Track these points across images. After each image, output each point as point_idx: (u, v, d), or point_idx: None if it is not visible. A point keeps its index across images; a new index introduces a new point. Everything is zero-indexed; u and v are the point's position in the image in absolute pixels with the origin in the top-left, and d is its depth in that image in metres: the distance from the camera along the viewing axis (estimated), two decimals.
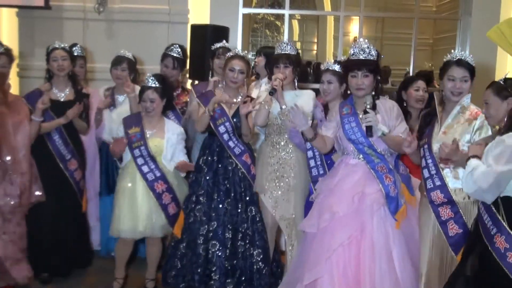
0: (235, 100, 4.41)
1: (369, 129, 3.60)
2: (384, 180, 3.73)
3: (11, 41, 6.35)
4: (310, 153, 4.31)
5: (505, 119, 3.10)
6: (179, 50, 5.00)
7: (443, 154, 3.29)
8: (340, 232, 3.69)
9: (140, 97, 4.34)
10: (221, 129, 4.32)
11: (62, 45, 4.67)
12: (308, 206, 4.27)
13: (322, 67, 4.42)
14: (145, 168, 4.31)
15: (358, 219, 3.70)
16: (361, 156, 3.82)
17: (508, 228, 2.88)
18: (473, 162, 3.02)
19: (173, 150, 4.40)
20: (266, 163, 4.39)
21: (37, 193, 4.44)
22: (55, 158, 4.59)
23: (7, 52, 4.43)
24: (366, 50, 3.76)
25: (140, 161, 4.31)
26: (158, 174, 4.32)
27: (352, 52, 3.82)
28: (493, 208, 2.94)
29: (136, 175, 4.32)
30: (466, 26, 7.17)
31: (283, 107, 4.13)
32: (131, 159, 4.34)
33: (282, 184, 4.35)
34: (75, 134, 4.70)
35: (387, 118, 3.73)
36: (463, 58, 3.54)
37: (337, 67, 4.24)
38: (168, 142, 4.38)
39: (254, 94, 4.69)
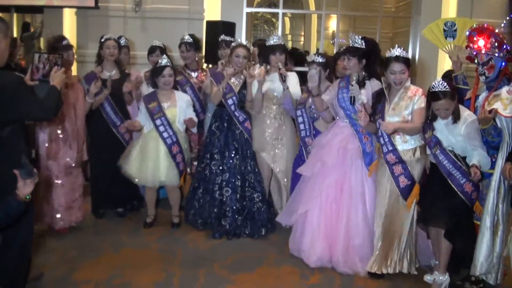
0: (240, 79, 4.43)
1: (352, 99, 3.69)
2: (362, 139, 3.83)
3: (71, 35, 6.40)
4: (300, 119, 4.40)
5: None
6: (189, 36, 4.97)
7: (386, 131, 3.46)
8: (329, 176, 3.84)
9: (159, 75, 4.33)
10: (230, 101, 4.38)
11: (113, 37, 4.68)
12: (297, 159, 4.41)
13: (308, 58, 4.36)
14: (165, 134, 4.34)
15: (341, 168, 3.83)
16: (347, 120, 3.90)
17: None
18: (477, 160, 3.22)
19: (184, 114, 4.42)
20: (263, 128, 4.45)
21: (85, 155, 4.54)
22: (108, 124, 4.62)
23: (71, 46, 4.41)
24: (353, 39, 3.84)
25: (161, 128, 4.33)
26: (174, 139, 4.35)
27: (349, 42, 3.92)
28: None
29: (159, 139, 4.35)
30: (417, 23, 7.15)
31: (286, 87, 4.24)
32: (153, 127, 4.36)
33: (278, 144, 4.46)
34: (122, 105, 4.70)
35: (373, 92, 3.76)
36: (399, 54, 3.49)
37: (320, 59, 4.21)
38: (180, 109, 4.39)
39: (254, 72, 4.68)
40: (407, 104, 3.51)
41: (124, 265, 3.79)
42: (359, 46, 3.78)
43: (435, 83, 3.27)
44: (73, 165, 4.29)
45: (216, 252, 4.09)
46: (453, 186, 3.30)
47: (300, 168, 4.11)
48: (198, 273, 3.70)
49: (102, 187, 4.69)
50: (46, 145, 4.20)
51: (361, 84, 3.72)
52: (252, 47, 4.57)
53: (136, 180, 4.45)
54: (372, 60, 3.85)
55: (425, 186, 3.56)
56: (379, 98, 3.67)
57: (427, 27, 4.15)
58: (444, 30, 4.10)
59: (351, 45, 3.83)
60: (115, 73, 4.66)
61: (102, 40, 4.62)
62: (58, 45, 4.26)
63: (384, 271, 3.62)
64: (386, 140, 3.58)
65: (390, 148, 3.56)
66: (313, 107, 4.30)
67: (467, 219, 3.42)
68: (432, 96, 3.27)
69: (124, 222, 4.73)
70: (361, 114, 3.56)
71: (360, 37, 3.85)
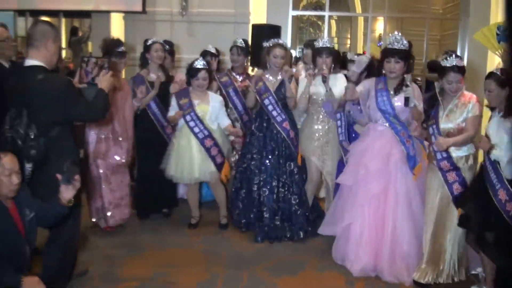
0: (278, 78, 4.48)
1: (407, 100, 3.61)
2: (405, 143, 3.75)
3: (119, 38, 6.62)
4: (339, 122, 4.35)
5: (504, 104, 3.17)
6: (242, 41, 5.05)
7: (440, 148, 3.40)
8: (373, 184, 3.77)
9: (194, 76, 4.41)
10: (266, 101, 4.43)
11: (159, 40, 4.79)
12: (340, 164, 4.38)
13: (349, 56, 4.41)
14: (196, 129, 4.40)
15: (385, 174, 3.75)
16: (387, 123, 3.82)
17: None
18: (497, 152, 3.12)
19: (216, 113, 4.48)
20: (311, 133, 4.47)
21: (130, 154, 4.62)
22: (154, 126, 4.74)
23: (126, 53, 4.52)
24: (400, 41, 3.72)
25: (192, 124, 4.40)
26: (206, 133, 4.40)
27: (388, 42, 3.81)
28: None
29: (190, 135, 4.42)
30: (465, 25, 7.03)
31: (328, 89, 4.27)
32: (184, 123, 4.44)
33: (326, 148, 4.46)
34: (167, 107, 4.73)
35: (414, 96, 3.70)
36: (457, 64, 3.41)
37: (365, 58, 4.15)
38: (212, 109, 4.46)
39: (302, 75, 4.73)
40: (462, 111, 3.45)
41: (168, 264, 3.88)
42: (404, 48, 3.73)
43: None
44: (123, 163, 4.42)
45: (259, 255, 4.13)
46: (491, 195, 3.17)
47: (340, 177, 4.03)
48: (241, 275, 3.75)
49: (149, 188, 4.81)
50: (95, 144, 4.35)
51: (402, 87, 3.70)
52: (304, 49, 4.61)
53: (175, 179, 4.54)
54: (411, 62, 3.83)
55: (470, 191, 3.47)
56: (432, 103, 3.61)
57: (479, 31, 4.10)
58: (497, 34, 4.03)
59: (396, 47, 3.73)
60: (160, 75, 4.77)
61: (149, 43, 4.73)
62: (113, 49, 4.38)
63: (431, 281, 3.56)
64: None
65: (445, 155, 3.49)
66: (351, 112, 4.25)
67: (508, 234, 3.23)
68: (486, 76, 3.28)
69: (167, 222, 4.86)
70: (414, 126, 3.57)
71: (404, 37, 3.78)
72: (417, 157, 3.75)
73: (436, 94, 3.58)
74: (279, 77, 4.47)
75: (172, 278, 3.68)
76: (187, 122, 4.42)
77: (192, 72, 4.44)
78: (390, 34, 3.92)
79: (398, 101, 3.74)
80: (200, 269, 3.83)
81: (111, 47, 4.40)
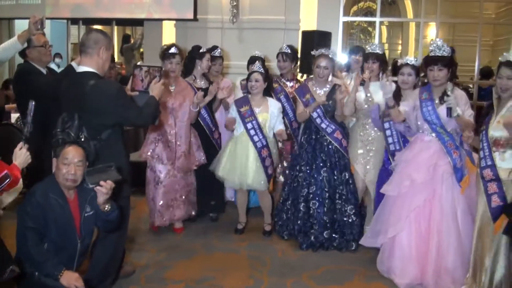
0: (324, 89, 4.45)
1: (450, 110, 3.51)
2: (452, 154, 3.65)
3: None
4: (388, 132, 4.20)
5: None
6: (287, 47, 5.06)
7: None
8: (418, 195, 3.69)
9: (248, 79, 4.50)
10: (314, 114, 4.39)
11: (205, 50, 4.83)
12: (381, 174, 4.27)
13: (400, 61, 4.28)
14: (256, 138, 4.43)
15: (431, 186, 3.66)
16: (434, 134, 3.74)
17: None
18: None
19: (275, 120, 4.49)
20: (357, 139, 4.42)
21: (202, 158, 4.71)
22: (204, 130, 4.81)
23: (180, 53, 4.59)
24: (441, 48, 3.64)
25: (252, 132, 4.43)
26: (264, 143, 4.44)
27: (430, 49, 3.73)
28: None
29: (249, 143, 4.45)
30: None
31: (368, 94, 4.23)
32: (243, 130, 4.47)
33: (369, 156, 4.39)
34: (212, 112, 4.89)
35: (458, 104, 3.61)
36: (509, 58, 3.29)
37: (414, 61, 4.14)
38: (271, 115, 4.48)
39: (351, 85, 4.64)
40: None
41: (214, 268, 3.93)
42: (447, 55, 3.64)
43: None
44: (176, 167, 4.50)
45: (304, 263, 4.11)
46: None
47: (384, 187, 3.93)
48: (286, 282, 3.75)
49: (196, 192, 4.86)
50: (150, 146, 4.51)
51: (447, 94, 3.59)
52: (357, 55, 4.61)
53: (227, 182, 4.60)
54: (454, 68, 3.71)
55: None
56: (488, 110, 3.49)
57: None
58: None
59: (439, 54, 3.65)
60: (204, 82, 4.85)
61: (201, 50, 4.77)
62: (165, 53, 4.52)
63: None
64: (487, 153, 3.36)
65: (489, 163, 3.34)
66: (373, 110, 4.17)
67: None
68: None
69: (214, 226, 4.91)
70: (466, 134, 3.50)
71: (446, 44, 3.69)
72: (464, 169, 3.65)
73: (493, 102, 3.44)
74: (326, 89, 4.45)
75: (218, 282, 3.72)
76: (247, 130, 4.46)
77: (247, 76, 4.54)
78: (431, 41, 3.83)
79: (444, 111, 3.63)
80: (245, 274, 3.86)
81: (165, 51, 4.52)
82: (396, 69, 4.45)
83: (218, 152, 4.84)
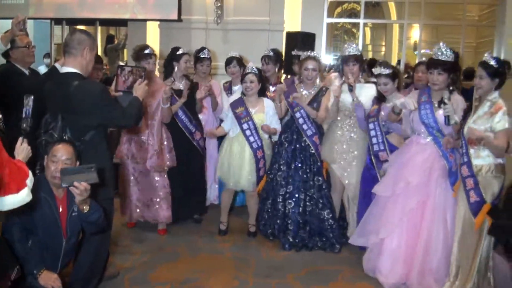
0: (311, 91, 4.47)
1: (447, 118, 3.52)
2: (448, 157, 3.67)
3: (155, 46, 6.60)
4: (373, 132, 4.19)
5: None
6: (270, 50, 5.11)
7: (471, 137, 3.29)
8: (412, 198, 3.70)
9: (242, 81, 4.51)
10: (297, 114, 4.43)
11: (187, 50, 4.83)
12: (364, 174, 4.29)
13: (375, 71, 4.19)
14: (251, 138, 4.44)
15: (425, 188, 3.69)
16: (430, 137, 3.74)
17: None
18: None
19: (270, 120, 4.49)
20: (336, 140, 4.42)
21: (169, 161, 4.63)
22: (184, 132, 4.77)
23: (154, 53, 4.61)
24: (444, 52, 3.64)
25: (248, 132, 4.44)
26: (260, 144, 4.45)
27: (433, 52, 3.74)
28: None
29: (245, 143, 4.46)
30: (501, 32, 6.87)
31: (354, 99, 4.23)
32: (239, 131, 4.48)
33: (349, 157, 4.40)
34: (194, 113, 4.86)
35: (456, 110, 3.61)
36: (485, 60, 3.36)
37: (386, 70, 4.09)
38: (267, 115, 4.49)
39: (335, 84, 4.66)
40: (487, 119, 3.33)
41: (199, 270, 3.92)
42: (449, 60, 3.63)
43: None
44: (150, 167, 4.48)
45: (289, 263, 4.12)
46: None
47: (376, 187, 3.94)
48: (271, 283, 3.75)
49: (178, 193, 4.83)
50: (124, 146, 4.53)
51: (449, 99, 3.59)
52: (334, 56, 4.61)
53: (228, 185, 4.63)
54: (457, 73, 3.71)
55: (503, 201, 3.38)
56: (469, 110, 3.55)
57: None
58: None
59: (440, 58, 3.64)
60: (184, 82, 4.82)
61: (179, 53, 4.74)
62: (141, 53, 4.51)
63: None
64: (464, 151, 3.44)
65: (466, 160, 3.41)
66: (386, 121, 4.16)
67: None
68: None
69: (198, 227, 4.90)
70: (446, 141, 3.56)
71: (450, 48, 3.67)
72: (458, 173, 3.65)
73: (473, 102, 3.52)
74: (312, 91, 4.47)
75: (203, 283, 3.72)
76: (243, 131, 4.46)
77: (242, 78, 4.55)
78: (437, 44, 3.82)
79: (442, 115, 3.64)
80: (229, 275, 3.85)
81: (139, 52, 4.52)
82: (371, 67, 4.47)
83: (200, 154, 4.88)
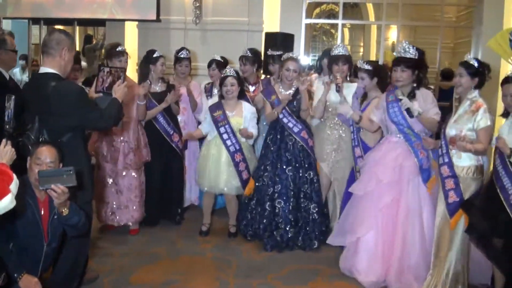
0: (289, 91, 4.49)
1: (408, 111, 3.60)
2: (419, 155, 3.73)
3: (133, 47, 6.66)
4: (351, 128, 4.33)
5: None
6: (247, 50, 5.12)
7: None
8: (385, 195, 3.75)
9: (222, 84, 4.47)
10: (280, 115, 4.45)
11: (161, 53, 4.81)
12: (352, 173, 4.35)
13: (359, 65, 4.35)
14: (228, 142, 4.44)
15: (398, 186, 3.73)
16: (401, 135, 3.80)
17: None
18: None
19: (247, 124, 4.49)
20: (324, 139, 4.49)
21: (147, 157, 4.64)
22: (162, 135, 4.77)
23: (125, 52, 4.53)
24: (407, 49, 3.71)
25: (225, 136, 4.44)
26: (237, 147, 4.45)
27: (397, 51, 3.83)
28: None
29: (222, 147, 4.47)
30: (479, 33, 6.97)
31: (343, 98, 4.26)
32: (217, 134, 4.48)
33: (337, 154, 4.47)
34: (172, 115, 4.87)
35: (423, 103, 3.68)
36: (466, 60, 3.44)
37: (367, 66, 4.23)
38: (245, 119, 4.49)
39: (315, 86, 4.74)
40: (469, 118, 3.38)
41: (179, 272, 3.90)
42: (412, 57, 3.70)
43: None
44: (127, 165, 4.47)
45: (269, 264, 4.13)
46: (502, 199, 3.14)
47: (352, 186, 4.01)
48: (252, 283, 3.76)
49: (156, 195, 4.83)
50: (99, 147, 4.47)
51: (411, 95, 3.68)
52: (313, 57, 4.64)
53: (200, 186, 4.64)
54: (422, 70, 3.77)
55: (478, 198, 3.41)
56: (449, 110, 3.61)
57: (492, 38, 4.05)
58: (510, 40, 3.98)
59: (403, 55, 3.72)
60: (160, 85, 4.82)
61: (154, 56, 4.74)
62: (113, 51, 4.47)
63: None
64: (444, 151, 3.48)
65: (446, 160, 3.46)
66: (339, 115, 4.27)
67: None
68: (503, 80, 3.24)
69: (179, 229, 4.87)
70: (427, 143, 3.62)
71: (413, 46, 3.75)
72: (432, 170, 3.72)
73: (453, 101, 3.57)
74: (291, 91, 4.50)
75: (184, 285, 3.70)
76: (220, 134, 4.46)
77: (221, 81, 4.52)
78: (400, 43, 3.91)
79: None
80: (210, 277, 3.85)
81: (111, 50, 4.48)
82: (356, 71, 4.52)
83: (179, 156, 4.88)
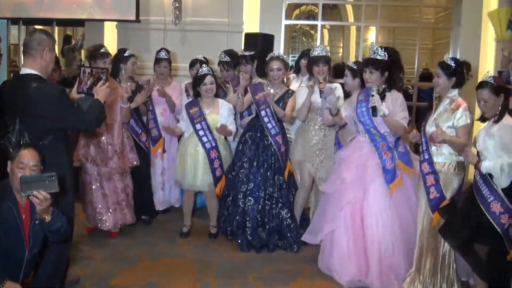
0: (278, 91, 4.50)
1: (374, 109, 3.61)
2: (383, 155, 3.74)
3: (112, 47, 6.55)
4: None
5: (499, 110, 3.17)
6: (225, 55, 5.06)
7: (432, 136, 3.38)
8: (348, 193, 3.77)
9: (200, 83, 4.44)
10: (263, 113, 4.44)
11: (132, 52, 4.79)
12: None
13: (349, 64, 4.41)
14: (204, 138, 4.43)
15: (361, 185, 3.75)
16: (367, 135, 3.83)
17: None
18: (486, 163, 3.11)
19: (225, 121, 4.49)
20: (308, 139, 4.49)
21: (135, 160, 4.63)
22: (130, 134, 4.74)
23: (108, 54, 4.55)
24: (376, 51, 3.75)
25: (201, 133, 4.43)
26: (213, 144, 4.45)
27: (368, 53, 3.86)
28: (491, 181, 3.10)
29: (198, 144, 4.45)
30: (457, 34, 7.07)
31: (326, 98, 4.24)
32: (193, 132, 4.46)
33: (321, 154, 4.47)
34: (139, 115, 4.87)
35: (392, 106, 3.72)
36: (444, 60, 3.50)
37: (353, 65, 4.28)
38: (222, 116, 4.49)
39: (293, 86, 4.78)
40: (449, 116, 3.44)
41: (160, 274, 3.88)
42: (381, 58, 3.73)
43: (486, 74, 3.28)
44: (111, 168, 4.43)
45: (250, 264, 4.13)
46: (483, 208, 3.17)
47: (323, 185, 4.06)
48: (233, 284, 3.75)
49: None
50: (83, 149, 4.42)
51: (381, 96, 3.70)
52: (292, 57, 4.66)
53: (178, 184, 4.65)
54: (394, 72, 3.79)
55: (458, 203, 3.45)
56: (429, 108, 3.68)
57: (495, 9, 3.98)
58: (509, 21, 3.99)
59: (372, 57, 3.76)
60: (130, 84, 4.77)
61: (125, 55, 4.72)
62: (95, 52, 4.44)
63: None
64: (424, 148, 3.54)
65: (427, 157, 3.51)
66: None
67: (497, 245, 3.16)
68: (478, 85, 3.27)
69: (159, 230, 4.85)
70: (413, 133, 3.62)
71: (382, 48, 3.78)
72: (397, 171, 3.74)
73: (433, 101, 3.61)
74: (279, 90, 4.50)
75: (165, 287, 3.68)
76: (197, 131, 4.45)
77: (198, 80, 4.48)
78: (370, 45, 3.94)
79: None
80: (192, 278, 3.83)
81: (93, 52, 4.45)
82: (337, 72, 4.54)
83: (147, 155, 4.90)
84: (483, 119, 3.33)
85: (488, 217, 3.12)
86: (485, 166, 3.14)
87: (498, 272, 3.14)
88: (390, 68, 3.76)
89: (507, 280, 3.09)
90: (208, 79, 4.44)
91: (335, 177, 3.90)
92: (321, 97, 4.21)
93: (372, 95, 3.62)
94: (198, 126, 4.44)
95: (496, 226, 3.09)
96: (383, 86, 3.76)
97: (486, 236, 3.17)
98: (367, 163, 3.78)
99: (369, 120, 3.76)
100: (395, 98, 3.77)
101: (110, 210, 4.50)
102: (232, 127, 4.54)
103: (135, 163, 4.65)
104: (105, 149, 4.41)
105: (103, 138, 4.40)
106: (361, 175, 3.77)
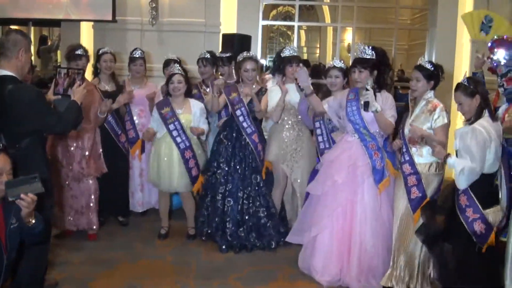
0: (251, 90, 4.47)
1: (366, 105, 3.56)
2: (372, 155, 3.73)
3: (89, 47, 6.41)
4: (318, 131, 4.33)
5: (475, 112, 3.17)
6: (206, 52, 5.08)
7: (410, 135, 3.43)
8: (340, 195, 3.75)
9: (169, 81, 4.43)
10: (238, 112, 4.43)
11: (110, 50, 4.76)
12: (314, 172, 4.29)
13: (328, 64, 4.39)
14: (178, 139, 4.39)
15: (352, 186, 3.74)
16: (356, 134, 3.80)
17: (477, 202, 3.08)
18: (452, 161, 3.14)
19: (197, 121, 4.47)
20: (282, 139, 4.47)
21: (99, 169, 4.54)
22: (109, 133, 4.71)
23: (86, 54, 4.51)
24: (364, 51, 3.73)
25: (175, 133, 4.38)
26: (187, 144, 4.40)
27: (356, 52, 3.86)
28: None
29: (172, 145, 4.41)
30: (433, 35, 7.17)
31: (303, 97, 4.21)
32: (166, 132, 4.41)
33: (296, 155, 4.46)
34: (119, 116, 4.83)
35: (382, 104, 3.68)
36: (421, 63, 3.52)
37: (341, 64, 4.24)
38: (194, 116, 4.46)
39: (268, 85, 4.75)
40: (426, 117, 3.46)
41: (139, 277, 3.83)
42: (369, 57, 3.72)
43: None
44: (81, 171, 4.36)
45: (229, 264, 4.12)
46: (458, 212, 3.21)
47: (309, 186, 4.03)
48: (212, 284, 3.74)
49: (102, 196, 4.68)
50: (51, 150, 4.30)
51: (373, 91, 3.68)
52: (269, 58, 4.65)
53: (154, 185, 4.61)
54: (383, 71, 3.78)
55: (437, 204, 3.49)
56: (405, 110, 3.67)
57: (469, 12, 4.07)
58: (482, 23, 4.06)
59: (360, 56, 3.75)
60: (111, 85, 4.75)
61: (99, 53, 4.71)
62: (70, 54, 4.39)
63: (396, 285, 3.58)
64: (405, 150, 3.55)
65: (407, 158, 3.53)
66: (330, 119, 4.21)
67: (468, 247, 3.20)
68: (455, 87, 3.29)
69: (138, 233, 4.79)
70: (395, 143, 3.66)
71: (370, 47, 3.77)
72: (385, 171, 3.75)
73: (409, 103, 3.63)
74: (253, 89, 4.48)
75: None
76: (170, 132, 4.40)
77: (168, 79, 4.47)
78: (357, 44, 3.94)
79: (369, 113, 3.68)
80: (170, 280, 3.80)
81: (70, 53, 4.40)
82: (315, 72, 4.54)
83: (125, 156, 4.86)
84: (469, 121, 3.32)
85: (462, 221, 3.16)
86: (450, 162, 3.19)
87: (491, 273, 3.17)
88: (379, 67, 3.76)
89: (499, 279, 3.13)
90: (176, 77, 4.41)
91: (323, 178, 3.86)
92: (300, 90, 4.15)
93: (367, 89, 3.57)
94: (171, 127, 4.40)
95: (463, 221, 3.15)
96: (374, 86, 3.71)
97: (457, 234, 3.21)
98: (357, 163, 3.76)
99: (359, 120, 3.75)
100: (385, 98, 3.76)
101: (79, 212, 4.44)
102: (205, 126, 4.53)
103: (102, 170, 4.57)
104: (72, 153, 4.34)
105: (71, 141, 4.32)
106: (352, 175, 3.75)
